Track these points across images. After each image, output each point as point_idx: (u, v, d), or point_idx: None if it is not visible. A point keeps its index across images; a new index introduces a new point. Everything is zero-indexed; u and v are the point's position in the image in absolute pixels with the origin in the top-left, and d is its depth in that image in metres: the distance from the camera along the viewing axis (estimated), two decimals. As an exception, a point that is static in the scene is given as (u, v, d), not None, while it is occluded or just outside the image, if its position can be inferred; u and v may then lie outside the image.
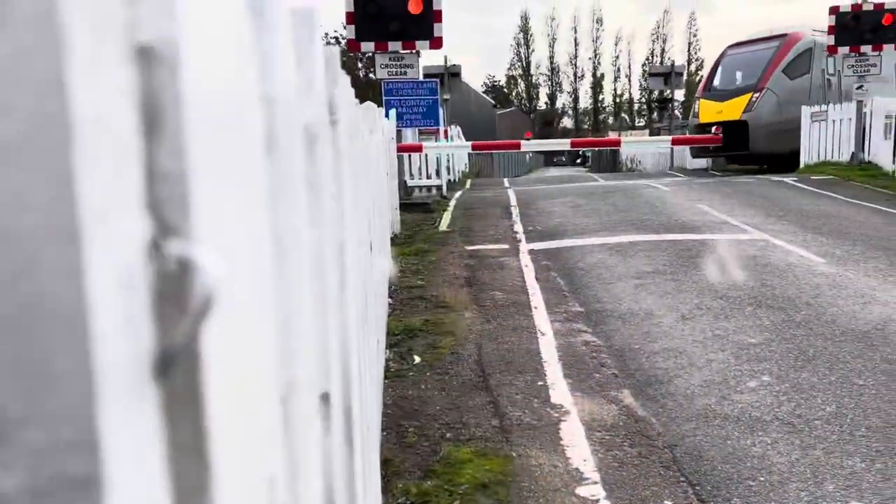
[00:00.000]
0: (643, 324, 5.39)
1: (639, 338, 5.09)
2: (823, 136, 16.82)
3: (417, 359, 4.91)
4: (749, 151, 19.53)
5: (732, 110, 19.67)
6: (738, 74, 20.41)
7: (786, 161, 19.35)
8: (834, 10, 15.20)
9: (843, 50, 15.33)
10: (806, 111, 17.33)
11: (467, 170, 22.19)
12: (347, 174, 0.84)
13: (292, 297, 0.46)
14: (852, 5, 15.28)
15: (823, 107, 17.01)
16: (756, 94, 19.38)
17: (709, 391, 4.09)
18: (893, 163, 14.05)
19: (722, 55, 22.57)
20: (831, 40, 15.48)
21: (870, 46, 15.09)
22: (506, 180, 21.01)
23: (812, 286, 6.21)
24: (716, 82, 21.28)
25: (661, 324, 5.36)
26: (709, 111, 20.54)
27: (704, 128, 20.19)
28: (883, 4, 15.11)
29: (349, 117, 1.00)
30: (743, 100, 19.60)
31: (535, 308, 5.99)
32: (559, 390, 4.23)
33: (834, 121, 16.47)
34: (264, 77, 0.44)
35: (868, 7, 15.16)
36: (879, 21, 14.96)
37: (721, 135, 15.31)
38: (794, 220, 9.66)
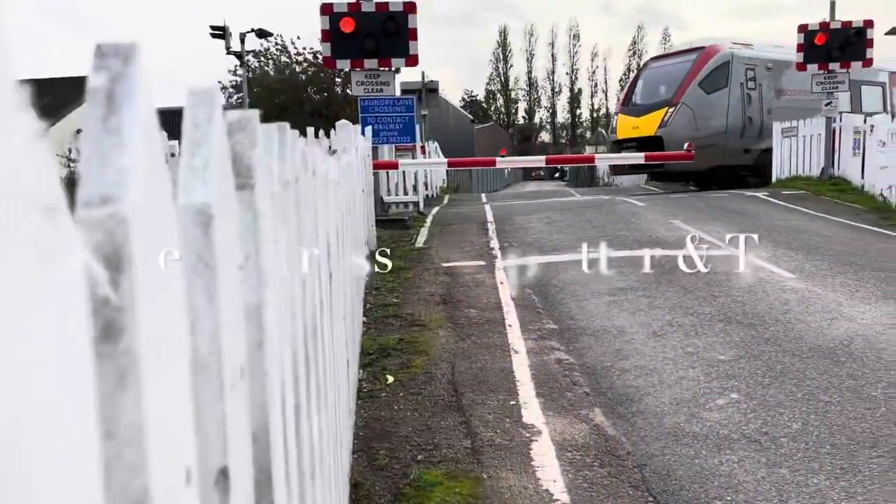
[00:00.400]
0: (615, 341, 5.43)
1: (611, 355, 5.12)
2: (794, 152, 17.10)
3: (391, 378, 4.90)
4: (665, 169, 19.04)
5: (648, 126, 19.04)
6: (656, 89, 19.80)
7: (707, 178, 19.05)
8: (802, 28, 15.51)
9: (812, 67, 15.63)
10: (777, 127, 17.60)
11: (445, 185, 22.27)
12: (272, 229, 0.85)
13: (146, 412, 0.47)
14: (820, 23, 15.60)
15: (794, 122, 17.29)
16: (671, 109, 18.76)
17: (678, 409, 4.12)
18: (862, 178, 14.30)
19: (642, 68, 21.87)
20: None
21: (837, 64, 15.41)
22: (483, 195, 21.08)
23: (781, 302, 6.30)
24: (635, 97, 20.57)
25: (632, 341, 5.40)
26: (625, 127, 19.88)
27: (621, 144, 19.58)
28: (850, 22, 15.45)
29: (285, 168, 1.01)
30: (658, 115, 18.96)
31: (510, 326, 6.01)
32: (531, 410, 4.24)
33: (804, 136, 16.76)
34: (111, 198, 0.45)
35: (836, 25, 15.49)
36: (847, 38, 15.29)
37: (693, 151, 15.20)
38: (765, 235, 9.80)
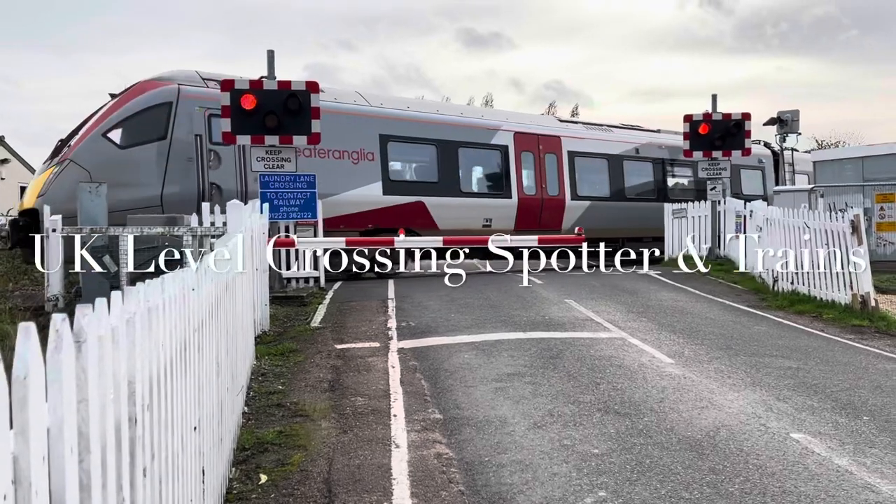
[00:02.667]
0: (497, 433, 5.46)
1: (490, 449, 5.14)
2: (684, 232, 18.03)
3: (264, 478, 4.74)
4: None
5: (32, 193, 12.88)
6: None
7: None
8: (688, 119, 16.64)
9: (698, 154, 16.71)
10: (668, 208, 18.51)
11: (352, 256, 22.13)
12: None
13: None
14: (704, 114, 16.78)
15: (683, 204, 18.28)
16: (56, 170, 12.67)
17: (548, 509, 4.15)
18: (745, 258, 15.19)
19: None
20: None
21: (720, 152, 16.53)
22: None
23: (658, 389, 6.52)
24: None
25: (513, 433, 5.45)
26: (30, 193, 13.09)
27: (17, 223, 12.93)
28: (730, 115, 16.69)
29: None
30: (43, 178, 12.83)
31: (395, 416, 5.96)
32: (403, 512, 4.18)
33: (693, 217, 17.75)
34: None
35: (717, 116, 16.69)
36: (727, 129, 16.48)
37: (581, 234, 15.04)
38: (652, 317, 10.20)
